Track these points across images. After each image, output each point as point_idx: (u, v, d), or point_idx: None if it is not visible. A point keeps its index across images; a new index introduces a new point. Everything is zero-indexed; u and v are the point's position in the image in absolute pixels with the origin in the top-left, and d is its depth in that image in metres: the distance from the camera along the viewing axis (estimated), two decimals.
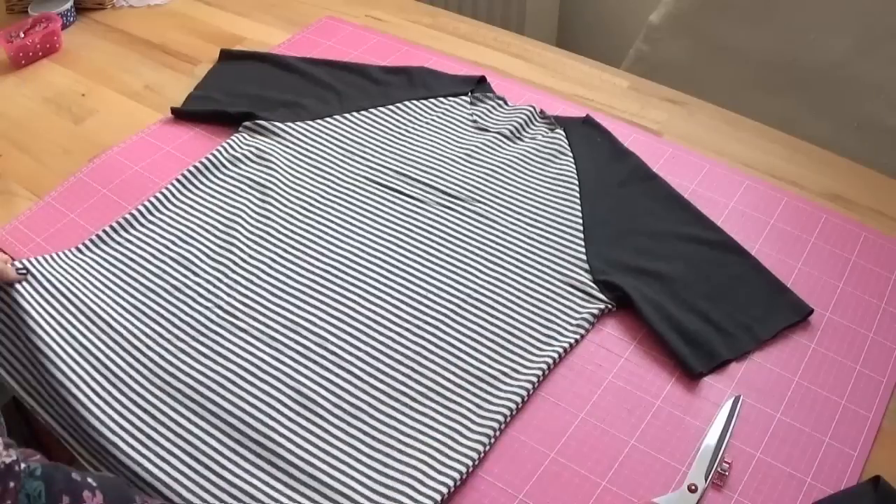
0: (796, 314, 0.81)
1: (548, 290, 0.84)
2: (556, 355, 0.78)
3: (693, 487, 0.68)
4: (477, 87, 1.11)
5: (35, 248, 0.90)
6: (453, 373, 0.76)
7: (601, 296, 0.83)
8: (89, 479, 0.59)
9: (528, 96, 1.10)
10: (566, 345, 0.79)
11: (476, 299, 0.83)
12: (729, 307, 0.81)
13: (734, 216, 0.93)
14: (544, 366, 0.77)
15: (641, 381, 0.77)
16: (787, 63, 1.30)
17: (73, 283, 0.84)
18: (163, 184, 0.97)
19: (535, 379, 0.76)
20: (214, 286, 0.84)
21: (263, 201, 0.94)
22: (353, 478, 0.68)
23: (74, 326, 0.80)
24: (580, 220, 0.91)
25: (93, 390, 0.74)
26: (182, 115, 1.08)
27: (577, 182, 0.96)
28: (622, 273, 0.84)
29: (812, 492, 0.68)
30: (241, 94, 1.10)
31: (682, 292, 0.83)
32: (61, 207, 0.96)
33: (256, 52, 1.18)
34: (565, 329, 0.80)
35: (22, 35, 1.20)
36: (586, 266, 0.86)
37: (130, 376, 0.76)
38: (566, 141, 1.01)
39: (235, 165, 0.98)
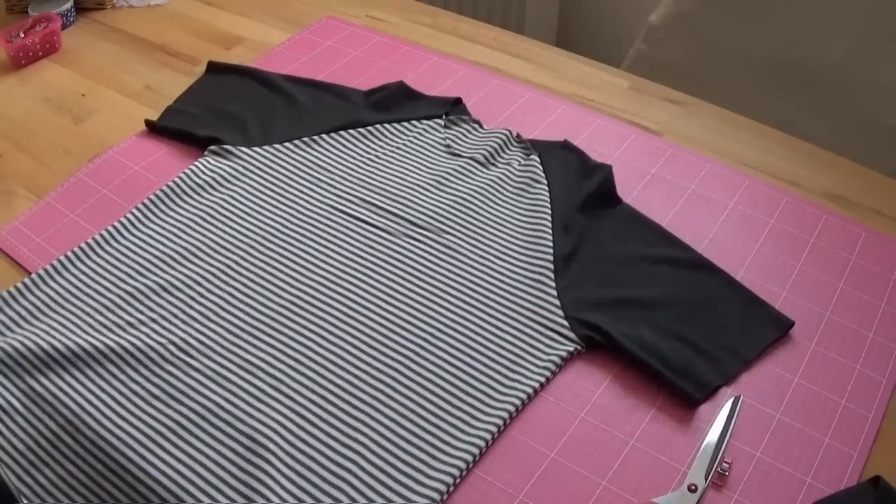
0: (777, 329, 0.80)
1: (516, 329, 0.80)
2: (518, 402, 0.74)
3: (693, 487, 0.68)
4: (452, 109, 1.06)
5: (35, 248, 0.90)
6: (411, 420, 0.73)
7: (572, 335, 0.79)
8: None
9: (528, 96, 1.10)
10: (534, 386, 0.75)
11: (440, 339, 0.79)
12: (707, 327, 0.79)
13: (734, 216, 0.93)
14: (505, 414, 0.73)
15: (641, 380, 0.77)
16: (788, 63, 1.30)
17: (23, 322, 0.81)
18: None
19: (500, 422, 0.72)
20: (170, 322, 0.81)
21: (223, 233, 0.90)
22: None
23: (21, 365, 0.77)
24: (551, 253, 0.86)
25: (46, 428, 0.72)
26: (156, 129, 1.06)
27: (549, 212, 0.91)
28: (594, 308, 0.80)
29: (812, 492, 0.68)
30: (217, 110, 1.07)
31: (659, 320, 0.80)
32: (61, 207, 0.96)
33: (241, 67, 1.15)
34: (531, 371, 0.77)
35: (22, 35, 1.20)
36: (557, 302, 0.82)
37: (85, 410, 0.73)
38: (541, 168, 0.96)
39: (198, 193, 0.95)
